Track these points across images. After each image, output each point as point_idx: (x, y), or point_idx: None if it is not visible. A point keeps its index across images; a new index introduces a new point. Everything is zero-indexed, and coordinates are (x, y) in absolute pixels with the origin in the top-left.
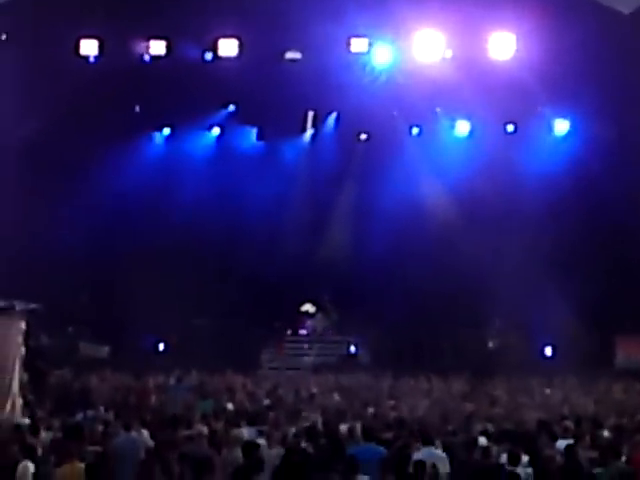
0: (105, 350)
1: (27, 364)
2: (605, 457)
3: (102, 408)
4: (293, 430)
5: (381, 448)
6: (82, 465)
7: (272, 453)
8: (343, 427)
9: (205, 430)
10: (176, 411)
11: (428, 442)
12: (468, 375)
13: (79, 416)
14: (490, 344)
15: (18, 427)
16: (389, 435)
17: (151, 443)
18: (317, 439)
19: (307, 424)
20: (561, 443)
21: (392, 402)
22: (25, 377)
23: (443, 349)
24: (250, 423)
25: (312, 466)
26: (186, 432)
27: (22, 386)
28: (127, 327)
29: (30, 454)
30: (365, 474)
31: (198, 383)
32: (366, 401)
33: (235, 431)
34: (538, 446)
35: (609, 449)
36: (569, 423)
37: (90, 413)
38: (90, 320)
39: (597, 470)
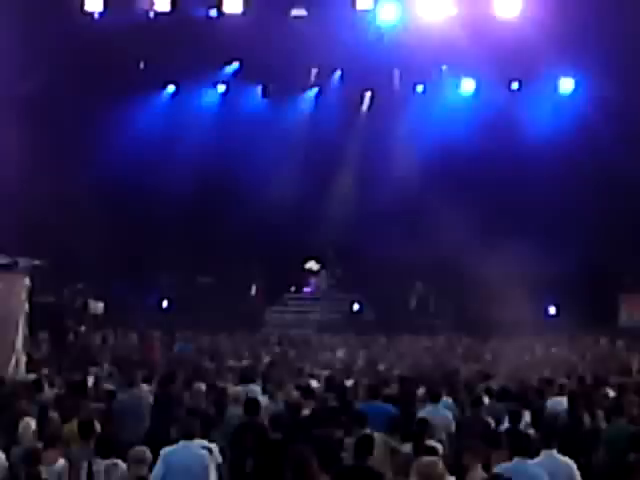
0: (101, 306)
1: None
2: (609, 415)
3: (106, 365)
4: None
5: (389, 405)
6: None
7: (273, 409)
8: (348, 383)
9: (203, 387)
10: (180, 368)
11: (434, 400)
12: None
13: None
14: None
15: (22, 384)
16: (392, 392)
17: (151, 400)
18: (321, 395)
19: (312, 381)
20: (558, 401)
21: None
22: (28, 334)
23: (447, 307)
24: (252, 381)
25: (317, 421)
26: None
27: (26, 343)
28: (131, 283)
29: (34, 411)
30: (372, 430)
31: (204, 342)
32: (369, 358)
33: (237, 388)
34: (540, 404)
35: (613, 407)
36: (565, 380)
37: (94, 370)
38: (93, 277)
39: (601, 427)
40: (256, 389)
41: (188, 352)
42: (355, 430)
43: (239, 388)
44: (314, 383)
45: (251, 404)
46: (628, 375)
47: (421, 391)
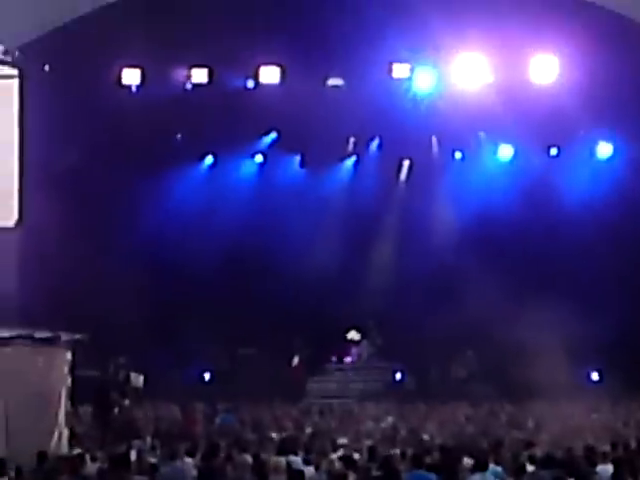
0: (141, 379)
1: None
2: None
3: (149, 438)
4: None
5: (432, 475)
6: None
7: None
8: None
9: (249, 459)
10: (222, 441)
11: (481, 468)
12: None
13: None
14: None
15: (65, 459)
16: (435, 461)
17: (195, 473)
18: (364, 465)
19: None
20: (603, 469)
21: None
22: (70, 408)
23: (489, 375)
24: (294, 452)
25: None
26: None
27: (68, 417)
28: (172, 356)
29: None
30: None
31: (245, 413)
32: (412, 427)
33: (279, 459)
34: (585, 471)
35: None
36: (608, 447)
37: (137, 443)
38: (133, 350)
39: None
40: (297, 460)
41: (230, 424)
42: None
43: (281, 459)
44: (356, 455)
45: (295, 475)
46: None
47: (466, 460)
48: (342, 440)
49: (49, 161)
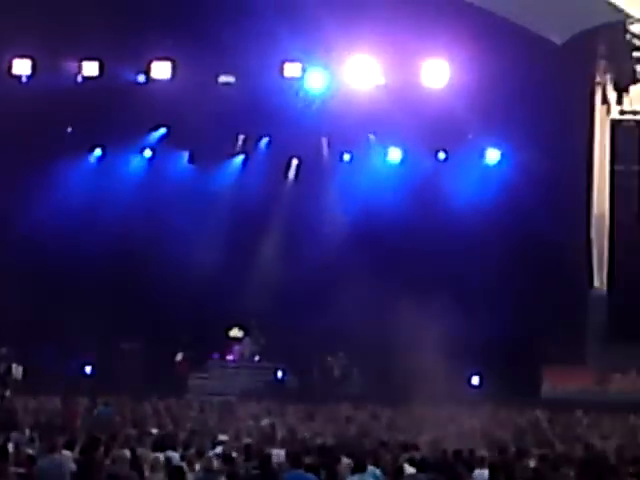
0: (20, 370)
1: None
2: None
3: (27, 430)
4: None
5: (311, 475)
6: None
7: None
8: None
9: (127, 454)
10: (100, 434)
11: (360, 469)
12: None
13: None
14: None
15: None
16: (313, 461)
17: (74, 466)
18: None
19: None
20: (479, 473)
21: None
22: None
23: (370, 376)
24: (172, 448)
25: None
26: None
27: None
28: (54, 348)
29: None
30: None
31: (126, 408)
32: (291, 427)
33: (158, 455)
34: (462, 475)
35: (536, 478)
36: (485, 452)
37: (15, 435)
38: (15, 341)
39: None
40: (175, 456)
41: (108, 416)
42: None
43: (160, 455)
44: (234, 453)
45: (175, 472)
46: (550, 447)
47: (345, 461)
48: (221, 437)
49: None
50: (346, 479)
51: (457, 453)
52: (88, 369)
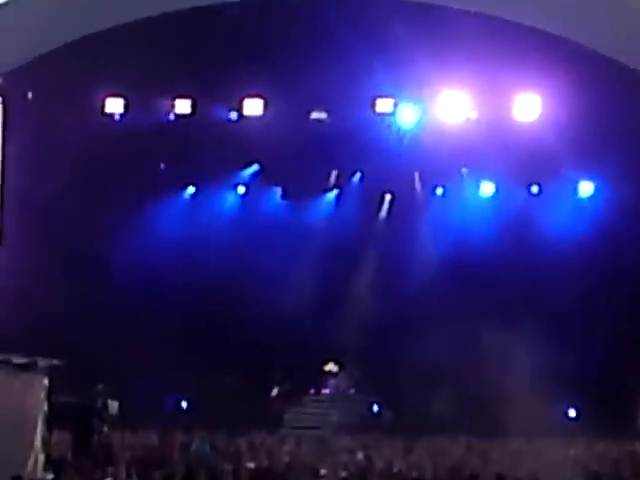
0: (116, 406)
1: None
2: None
3: (124, 465)
4: None
5: None
6: None
7: None
8: None
9: None
10: (197, 469)
11: None
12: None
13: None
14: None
15: None
16: None
17: None
18: None
19: None
20: None
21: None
22: (46, 434)
23: (466, 409)
24: None
25: None
26: None
27: (44, 442)
28: (150, 384)
29: None
30: None
31: (222, 442)
32: (387, 460)
33: None
34: None
35: None
36: None
37: (113, 470)
38: (110, 377)
39: None
40: None
41: (205, 451)
42: None
43: None
44: None
45: None
46: None
47: None
48: (320, 471)
49: (29, 188)
50: None
51: None
52: (184, 404)
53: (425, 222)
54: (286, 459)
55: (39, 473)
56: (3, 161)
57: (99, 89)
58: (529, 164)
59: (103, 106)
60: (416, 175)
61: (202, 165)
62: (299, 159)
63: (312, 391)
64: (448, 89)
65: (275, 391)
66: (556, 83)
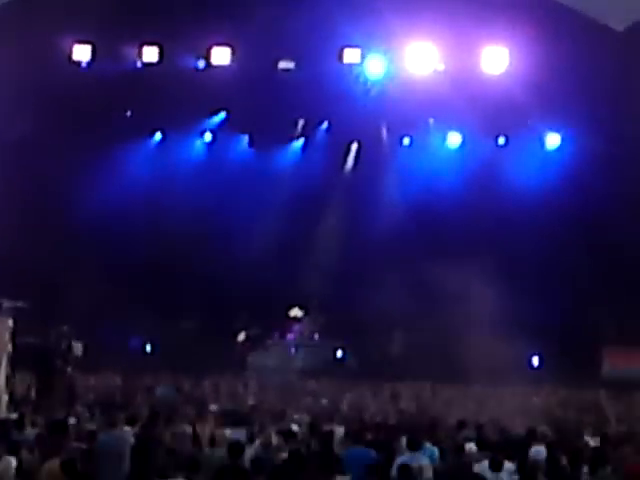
0: (80, 347)
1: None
2: (592, 465)
3: (86, 407)
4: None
5: (371, 451)
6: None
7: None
8: (335, 429)
9: (189, 429)
10: (161, 411)
11: (415, 447)
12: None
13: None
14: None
15: (3, 422)
16: (374, 438)
17: (133, 440)
18: (302, 440)
19: (293, 425)
20: (537, 450)
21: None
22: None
23: (430, 355)
24: (235, 424)
25: (297, 465)
26: (171, 430)
27: (8, 382)
28: (115, 326)
29: (14, 450)
30: (355, 476)
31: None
32: (352, 404)
33: (220, 431)
34: (523, 452)
35: (595, 457)
36: (546, 429)
37: (76, 410)
38: (75, 319)
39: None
40: (236, 432)
41: (170, 395)
42: (331, 474)
43: (221, 431)
44: (295, 427)
45: (234, 447)
46: (608, 425)
47: (405, 439)
48: (281, 413)
49: None
50: (399, 456)
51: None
52: (149, 347)
53: (392, 171)
54: (250, 402)
55: (2, 412)
56: None
57: (66, 35)
58: (496, 116)
59: (70, 53)
60: (383, 125)
61: (169, 112)
62: (266, 107)
63: (276, 335)
64: (416, 40)
65: (242, 335)
66: (524, 36)
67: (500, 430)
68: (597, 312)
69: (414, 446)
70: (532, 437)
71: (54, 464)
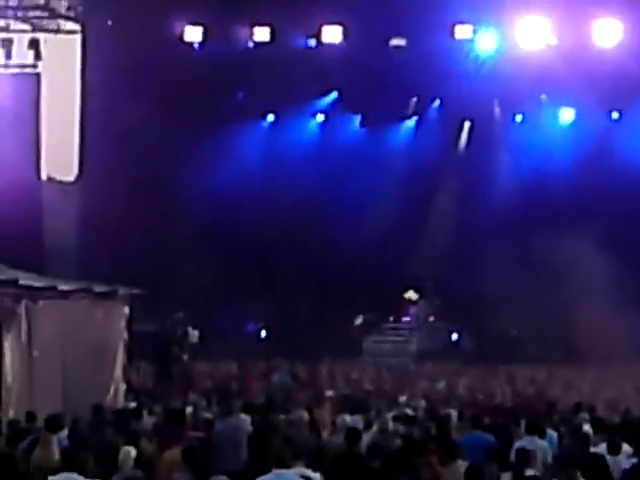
0: (196, 335)
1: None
2: None
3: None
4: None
5: (489, 436)
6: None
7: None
8: (452, 413)
9: (306, 416)
10: (277, 398)
11: (533, 431)
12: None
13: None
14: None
15: (121, 412)
16: (490, 422)
17: (251, 429)
18: (421, 425)
19: (409, 410)
20: None
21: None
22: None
23: (547, 336)
24: (352, 410)
25: (413, 450)
26: (287, 417)
27: (125, 371)
28: (229, 312)
29: (133, 439)
30: (473, 461)
31: (301, 370)
32: (469, 388)
33: (338, 418)
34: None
35: None
36: None
37: (193, 398)
38: (191, 306)
39: None
40: (354, 418)
41: (286, 382)
42: (451, 460)
43: (338, 417)
44: (410, 412)
45: (352, 433)
46: None
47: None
48: (399, 399)
49: (110, 117)
50: (518, 441)
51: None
52: (263, 333)
53: (505, 149)
54: (367, 387)
55: (120, 401)
56: (84, 90)
57: (178, 17)
58: (609, 90)
59: (182, 34)
60: (495, 102)
61: (281, 93)
62: (378, 86)
63: (392, 319)
64: (527, 15)
65: (359, 319)
66: (636, 8)
67: (618, 412)
68: None
69: (533, 430)
70: None
71: (174, 453)
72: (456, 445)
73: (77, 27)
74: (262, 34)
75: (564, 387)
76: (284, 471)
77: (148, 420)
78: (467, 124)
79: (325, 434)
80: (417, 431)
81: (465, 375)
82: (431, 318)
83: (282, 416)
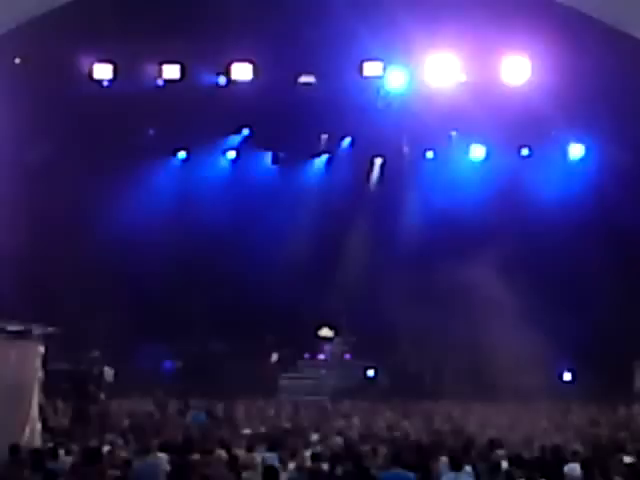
0: (112, 373)
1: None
2: None
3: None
4: (309, 454)
5: (410, 474)
6: None
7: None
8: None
9: (224, 454)
10: (194, 436)
11: (456, 467)
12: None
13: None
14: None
15: (37, 452)
16: (411, 460)
17: (168, 467)
18: (340, 462)
19: (320, 448)
20: (571, 468)
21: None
22: (43, 401)
23: (461, 373)
24: (269, 448)
25: None
26: (205, 457)
27: (41, 410)
28: (143, 350)
29: (51, 479)
30: None
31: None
32: (386, 425)
33: (254, 456)
34: (558, 470)
35: (631, 474)
36: (579, 447)
37: (110, 437)
38: (105, 344)
39: None
40: (271, 456)
41: (201, 421)
42: None
43: (255, 455)
44: (329, 450)
45: (269, 471)
46: None
47: (443, 459)
48: (314, 437)
49: (19, 155)
50: (442, 477)
51: (551, 449)
52: (178, 371)
53: (416, 185)
54: (284, 424)
55: (36, 441)
56: None
57: (87, 55)
58: (519, 127)
59: (91, 72)
60: (405, 139)
61: (192, 130)
62: (289, 123)
63: (307, 356)
64: (437, 52)
65: (275, 356)
66: (545, 45)
67: (535, 448)
68: (629, 326)
69: (457, 467)
70: (563, 455)
71: None
72: None
73: None
74: (172, 71)
75: (480, 423)
76: None
77: (65, 459)
78: (378, 161)
79: (243, 473)
80: (339, 469)
81: (382, 413)
82: (347, 355)
83: (198, 455)
